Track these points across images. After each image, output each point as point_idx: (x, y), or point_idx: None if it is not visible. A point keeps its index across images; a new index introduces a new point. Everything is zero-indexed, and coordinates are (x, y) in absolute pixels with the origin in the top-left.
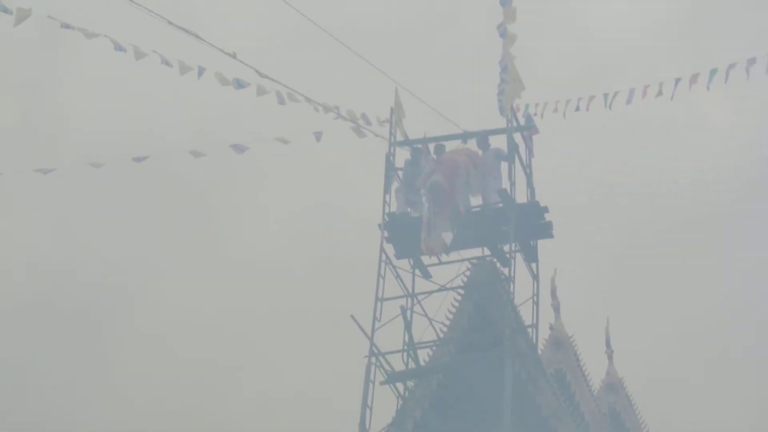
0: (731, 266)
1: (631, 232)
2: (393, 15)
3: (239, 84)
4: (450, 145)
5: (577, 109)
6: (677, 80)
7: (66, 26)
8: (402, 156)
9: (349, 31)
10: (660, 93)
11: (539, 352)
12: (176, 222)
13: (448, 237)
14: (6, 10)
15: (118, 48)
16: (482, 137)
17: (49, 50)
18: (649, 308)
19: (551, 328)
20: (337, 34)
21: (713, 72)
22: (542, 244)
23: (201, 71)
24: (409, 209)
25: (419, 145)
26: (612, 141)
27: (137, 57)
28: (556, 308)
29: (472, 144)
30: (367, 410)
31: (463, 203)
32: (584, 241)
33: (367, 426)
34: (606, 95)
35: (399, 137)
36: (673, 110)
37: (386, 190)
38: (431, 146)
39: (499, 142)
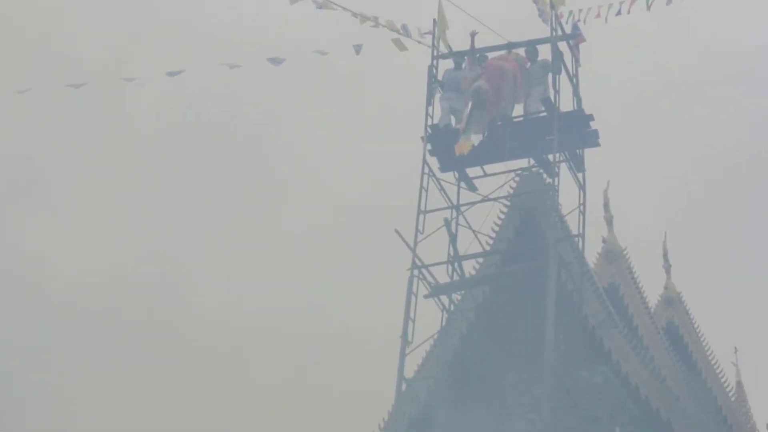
0: None
1: (690, 145)
2: None
3: None
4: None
5: (619, 13)
6: None
7: None
8: (444, 68)
9: None
10: None
11: (592, 266)
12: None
13: (477, 139)
14: None
15: None
16: (531, 48)
17: None
18: (709, 222)
19: (604, 241)
20: None
21: None
22: (595, 155)
23: None
24: (452, 117)
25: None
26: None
27: None
28: (609, 221)
29: (521, 51)
30: (410, 323)
31: (510, 108)
32: (639, 151)
33: (410, 338)
34: None
35: (442, 49)
36: None
37: (428, 102)
38: (470, 59)
39: (545, 52)
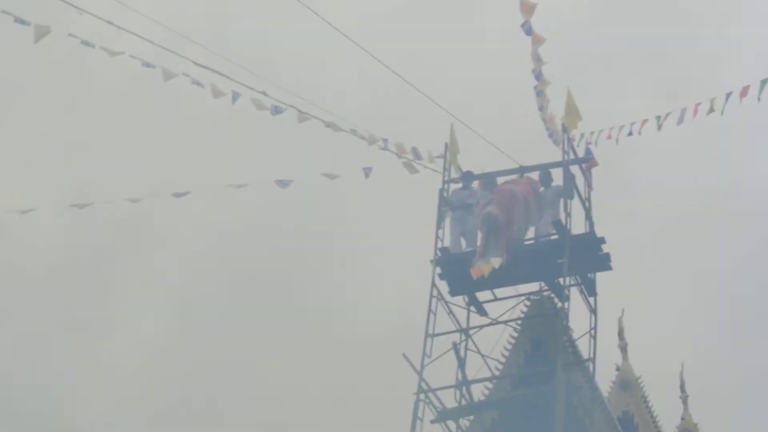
0: None
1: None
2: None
3: (277, 110)
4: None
5: (630, 134)
6: (728, 94)
7: (87, 44)
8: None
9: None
10: (711, 110)
11: (606, 393)
12: None
13: (497, 262)
14: (23, 22)
15: (146, 65)
16: (545, 172)
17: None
18: (726, 350)
19: (618, 369)
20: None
21: (763, 82)
22: (611, 281)
23: (235, 96)
24: (462, 240)
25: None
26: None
27: (166, 78)
28: (623, 349)
29: (535, 176)
30: None
31: (522, 232)
32: (656, 277)
33: None
34: (658, 117)
35: (453, 173)
36: None
37: (439, 225)
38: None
39: (558, 175)
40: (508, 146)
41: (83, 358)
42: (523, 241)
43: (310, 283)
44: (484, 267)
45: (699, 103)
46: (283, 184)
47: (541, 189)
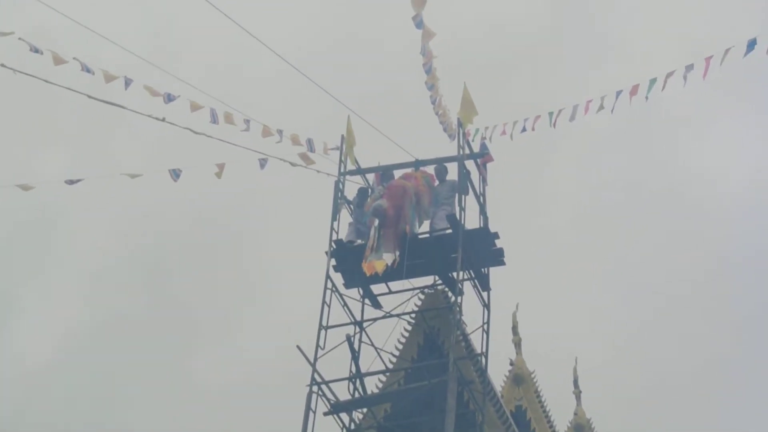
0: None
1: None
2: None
3: (169, 97)
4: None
5: (524, 129)
6: (618, 93)
7: (35, 50)
8: (351, 186)
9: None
10: (601, 107)
11: (499, 388)
12: None
13: (390, 258)
14: None
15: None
16: (440, 167)
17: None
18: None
19: (511, 363)
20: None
21: (652, 82)
22: (504, 275)
23: (128, 82)
24: (359, 240)
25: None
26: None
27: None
28: (518, 344)
29: (430, 169)
30: None
31: (412, 226)
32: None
33: None
34: (551, 113)
35: (350, 166)
36: None
37: (334, 217)
38: (378, 175)
39: (454, 169)
40: (405, 140)
41: None
42: (417, 235)
43: (209, 270)
44: (377, 264)
45: (590, 101)
46: (175, 174)
47: (436, 183)
